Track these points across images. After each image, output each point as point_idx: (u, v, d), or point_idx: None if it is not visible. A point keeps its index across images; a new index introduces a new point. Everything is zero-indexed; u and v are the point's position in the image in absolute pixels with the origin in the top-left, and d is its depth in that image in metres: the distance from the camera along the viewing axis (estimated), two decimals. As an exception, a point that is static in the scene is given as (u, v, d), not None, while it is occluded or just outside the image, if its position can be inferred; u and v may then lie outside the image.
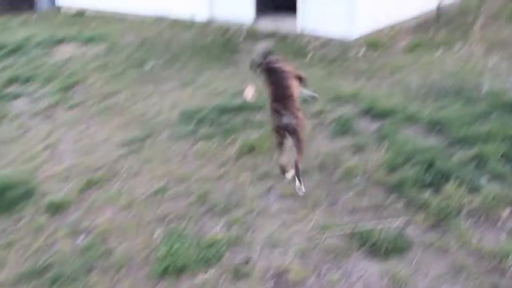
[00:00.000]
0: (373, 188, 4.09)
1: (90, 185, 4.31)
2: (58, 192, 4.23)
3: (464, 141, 4.70)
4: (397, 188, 4.02)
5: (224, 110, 5.73)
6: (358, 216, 3.75)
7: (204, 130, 5.28)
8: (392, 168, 4.29)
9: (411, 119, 5.30)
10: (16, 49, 9.60)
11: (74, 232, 3.70)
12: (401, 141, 4.75)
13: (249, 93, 6.03)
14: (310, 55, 7.91)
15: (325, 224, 3.66)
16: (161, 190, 4.16)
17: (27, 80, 7.53)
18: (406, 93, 6.14)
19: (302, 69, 7.02)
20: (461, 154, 4.45)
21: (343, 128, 5.20)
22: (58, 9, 14.41)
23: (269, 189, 4.14)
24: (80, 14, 13.40)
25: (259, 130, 5.18)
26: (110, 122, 5.76)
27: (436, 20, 9.85)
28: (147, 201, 4.04)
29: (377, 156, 4.55)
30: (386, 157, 4.47)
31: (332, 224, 3.66)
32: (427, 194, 3.88)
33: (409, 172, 4.16)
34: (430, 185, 3.97)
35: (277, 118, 3.88)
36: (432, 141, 4.80)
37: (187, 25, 10.35)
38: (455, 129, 4.92)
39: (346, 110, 5.70)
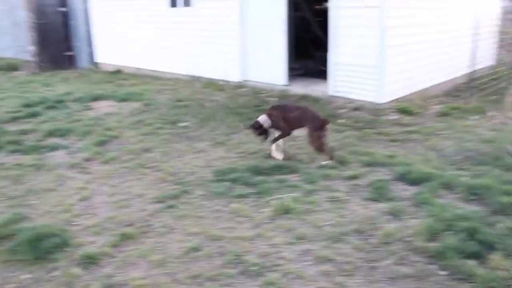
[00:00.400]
0: (413, 255, 3.95)
1: (124, 239, 4.28)
2: (92, 245, 4.20)
3: (505, 210, 4.55)
4: (438, 256, 3.87)
5: (257, 171, 5.73)
6: (399, 285, 3.60)
7: (238, 189, 5.25)
8: (432, 235, 4.16)
9: (448, 186, 5.20)
10: (57, 104, 9.91)
11: (107, 286, 3.63)
12: (440, 207, 4.63)
13: (278, 154, 6.12)
14: (342, 119, 7.94)
15: (364, 292, 3.52)
16: (195, 249, 4.09)
17: (65, 133, 7.72)
18: (442, 159, 6.05)
19: (335, 132, 7.07)
20: (504, 223, 4.30)
21: (379, 192, 5.11)
22: (96, 66, 14.96)
23: (305, 252, 4.03)
24: (117, 72, 13.88)
25: (294, 191, 5.12)
26: (145, 177, 5.80)
27: (468, 86, 9.87)
28: (180, 259, 3.96)
29: (415, 222, 4.43)
30: (425, 224, 4.35)
31: (372, 291, 3.52)
32: (471, 264, 3.72)
33: (450, 240, 4.02)
34: (474, 254, 3.82)
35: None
36: (472, 209, 4.67)
37: (220, 85, 10.61)
38: (495, 197, 4.79)
39: (381, 174, 5.63)
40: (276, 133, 6.22)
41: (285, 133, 6.14)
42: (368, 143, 6.77)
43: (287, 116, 6.05)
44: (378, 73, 8.28)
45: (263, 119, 6.19)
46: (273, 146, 6.25)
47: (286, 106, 6.26)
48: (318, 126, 5.85)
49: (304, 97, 9.31)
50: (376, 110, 8.20)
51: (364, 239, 4.22)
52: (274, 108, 6.23)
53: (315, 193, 5.09)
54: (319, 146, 5.88)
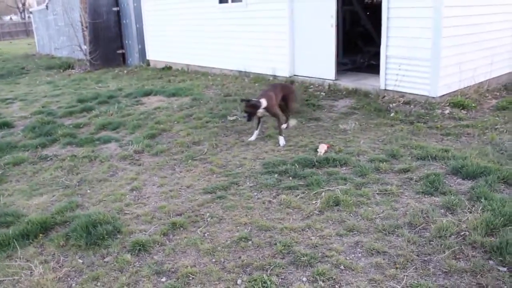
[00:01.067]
0: (469, 250, 3.79)
1: (174, 228, 4.33)
2: (142, 233, 4.28)
3: None
4: (497, 251, 3.70)
5: (306, 164, 5.69)
6: (454, 279, 3.47)
7: (287, 182, 5.23)
8: (491, 229, 3.98)
9: (507, 180, 4.97)
10: (109, 99, 10.18)
11: (157, 273, 3.68)
12: (498, 202, 4.42)
13: (323, 148, 6.07)
14: (393, 112, 7.77)
15: (418, 285, 3.40)
16: (244, 238, 4.09)
17: (117, 126, 7.95)
18: (499, 153, 5.80)
19: (385, 126, 6.93)
20: None
21: (432, 186, 4.95)
22: (147, 63, 15.28)
23: (356, 244, 3.95)
24: (166, 69, 14.14)
25: (344, 184, 5.05)
26: (194, 169, 5.87)
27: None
28: (230, 248, 3.97)
29: (472, 217, 4.25)
30: (482, 218, 4.16)
31: (425, 285, 3.40)
32: (533, 260, 3.54)
33: (510, 235, 3.83)
34: (536, 251, 3.62)
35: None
36: (533, 204, 4.44)
37: (269, 81, 10.60)
38: (559, 193, 4.54)
39: (434, 168, 5.45)
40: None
41: (281, 116, 6.75)
42: (420, 137, 6.60)
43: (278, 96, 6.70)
44: (431, 66, 8.03)
45: (263, 103, 6.43)
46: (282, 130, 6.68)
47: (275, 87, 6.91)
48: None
49: (354, 92, 9.17)
50: (429, 104, 7.97)
51: (417, 232, 4.10)
52: (270, 91, 6.70)
53: (366, 186, 5.00)
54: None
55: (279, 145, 6.50)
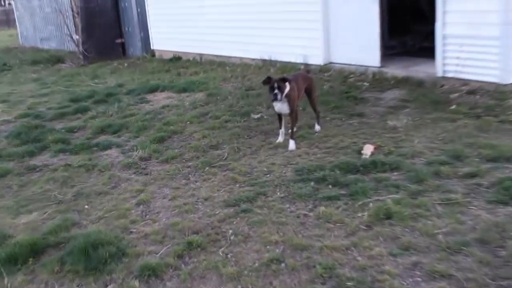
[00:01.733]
0: (559, 271, 3.70)
1: (190, 248, 4.34)
2: (152, 255, 4.30)
3: None
4: None
5: (349, 169, 5.67)
6: (540, 308, 3.38)
7: (325, 191, 5.20)
8: None
9: None
10: (108, 97, 10.31)
11: (172, 304, 3.68)
12: None
13: (369, 150, 6.05)
14: (454, 104, 7.68)
15: (494, 315, 3.33)
16: (276, 260, 4.07)
17: (118, 129, 8.05)
18: None
19: (445, 121, 6.86)
20: None
21: (508, 194, 4.84)
22: (152, 54, 15.44)
23: (414, 265, 3.89)
24: (176, 59, 14.26)
25: (397, 193, 4.99)
26: (212, 178, 5.89)
27: None
28: (259, 272, 3.95)
29: (560, 231, 4.15)
30: None
31: (503, 315, 3.32)
32: None
33: None
34: None
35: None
36: None
37: (299, 69, 10.58)
38: None
39: (510, 172, 5.35)
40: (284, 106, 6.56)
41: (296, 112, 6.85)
42: (490, 134, 6.49)
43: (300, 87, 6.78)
44: (501, 45, 7.91)
45: (289, 86, 6.50)
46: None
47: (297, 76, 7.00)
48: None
49: (404, 81, 9.11)
50: (499, 93, 7.84)
51: (490, 251, 4.01)
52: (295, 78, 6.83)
53: (424, 194, 4.93)
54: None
55: (290, 149, 6.52)
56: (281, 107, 6.59)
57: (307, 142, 6.79)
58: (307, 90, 7.03)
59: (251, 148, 6.76)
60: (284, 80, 6.49)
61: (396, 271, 3.84)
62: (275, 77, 6.56)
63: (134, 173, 6.30)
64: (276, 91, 6.41)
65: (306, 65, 10.66)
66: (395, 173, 5.51)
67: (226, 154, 6.61)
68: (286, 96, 6.49)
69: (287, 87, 6.47)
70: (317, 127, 7.23)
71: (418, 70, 9.41)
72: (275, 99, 6.45)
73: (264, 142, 6.93)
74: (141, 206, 5.32)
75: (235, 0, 12.53)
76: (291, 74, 7.47)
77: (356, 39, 10.14)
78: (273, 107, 6.79)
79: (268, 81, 6.49)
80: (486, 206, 4.69)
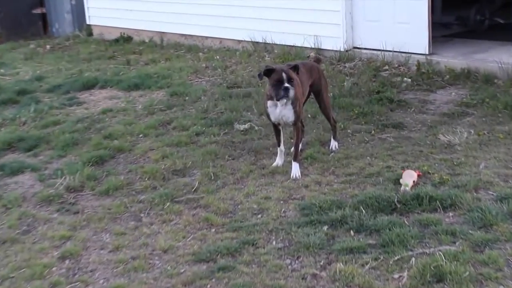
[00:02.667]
0: None
1: (141, 326, 4.30)
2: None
3: None
4: None
5: (381, 207, 5.64)
6: None
7: (345, 240, 5.17)
8: None
9: None
10: (19, 96, 10.25)
11: None
12: None
13: (410, 178, 6.03)
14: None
15: None
16: None
17: (35, 144, 7.98)
18: None
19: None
20: None
21: None
22: (89, 33, 15.43)
23: None
24: (124, 41, 14.24)
25: (453, 243, 4.98)
26: (175, 219, 5.86)
27: None
28: None
29: None
30: None
31: None
32: None
33: None
34: None
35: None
36: None
37: (308, 57, 10.61)
38: None
39: None
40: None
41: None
42: None
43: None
44: None
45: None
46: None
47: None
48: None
49: (465, 75, 9.14)
50: None
51: None
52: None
53: (493, 246, 4.91)
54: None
55: (293, 177, 6.53)
56: (282, 112, 6.57)
57: (318, 166, 6.76)
58: (314, 87, 7.04)
59: (235, 174, 6.71)
60: (295, 68, 6.50)
61: None
62: (280, 66, 6.54)
63: (58, 211, 6.22)
64: (286, 84, 6.35)
65: (318, 51, 10.69)
66: (450, 214, 5.48)
67: (196, 183, 6.55)
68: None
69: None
70: (334, 144, 7.23)
71: (486, 58, 9.44)
72: (286, 96, 6.38)
73: (254, 166, 6.89)
74: (67, 261, 5.24)
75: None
76: (287, 63, 7.37)
77: (393, 14, 10.18)
78: (267, 114, 6.76)
79: (270, 71, 6.45)
80: None
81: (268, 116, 6.71)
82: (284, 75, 6.30)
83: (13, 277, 5.06)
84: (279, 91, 6.32)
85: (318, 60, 7.49)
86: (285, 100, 6.41)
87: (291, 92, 6.32)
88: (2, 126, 8.97)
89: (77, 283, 4.91)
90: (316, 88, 7.05)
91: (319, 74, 7.15)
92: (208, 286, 4.73)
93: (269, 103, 6.55)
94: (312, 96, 7.18)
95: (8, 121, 9.15)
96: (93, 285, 4.88)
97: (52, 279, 4.98)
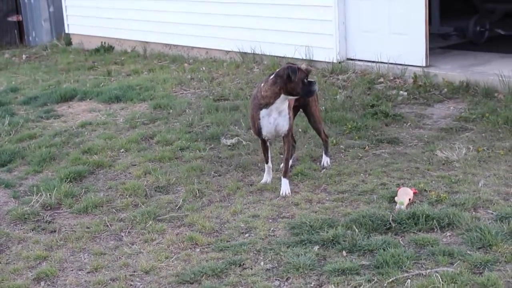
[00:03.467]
0: None
1: None
2: None
3: None
4: None
5: (375, 226, 5.66)
6: None
7: (337, 260, 5.17)
8: None
9: None
10: (-8, 108, 10.24)
11: None
12: None
13: (406, 196, 6.06)
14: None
15: None
16: None
17: (9, 159, 7.97)
18: None
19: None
20: None
21: None
22: (68, 42, 15.44)
23: None
24: (105, 50, 14.25)
25: (450, 264, 5.00)
26: (158, 239, 5.85)
27: None
28: None
29: None
30: None
31: None
32: None
33: None
34: None
35: None
36: None
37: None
38: None
39: None
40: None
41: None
42: None
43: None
44: None
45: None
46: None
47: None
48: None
49: (463, 88, 9.19)
50: None
51: None
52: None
53: (493, 268, 4.93)
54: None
55: (283, 194, 6.57)
56: (277, 121, 6.60)
57: (309, 183, 6.77)
58: (300, 100, 7.00)
59: (221, 191, 6.73)
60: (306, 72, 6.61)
61: None
62: (291, 68, 6.49)
63: (33, 229, 6.21)
64: (313, 86, 6.56)
65: (310, 62, 10.72)
66: (448, 233, 5.50)
67: (181, 200, 6.56)
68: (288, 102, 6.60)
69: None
70: (326, 160, 7.25)
71: (486, 71, 9.49)
72: (314, 91, 6.62)
73: (242, 183, 6.91)
74: (43, 283, 5.24)
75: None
76: (272, 72, 7.17)
77: (389, 24, 10.23)
78: (258, 128, 6.72)
79: (295, 70, 6.45)
80: None
81: (258, 130, 6.66)
82: (298, 76, 6.42)
83: (-14, 303, 5.07)
84: (309, 88, 6.51)
85: (308, 72, 7.44)
86: (283, 106, 6.56)
87: (311, 90, 6.56)
88: (-27, 141, 8.97)
89: (51, 306, 4.92)
90: (304, 101, 7.04)
91: None
92: (192, 311, 4.75)
93: (262, 112, 6.55)
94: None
95: (-20, 135, 9.15)
96: (72, 309, 4.88)
97: (27, 301, 5.00)
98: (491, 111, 8.27)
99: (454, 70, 9.76)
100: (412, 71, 9.89)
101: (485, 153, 7.18)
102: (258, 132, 6.68)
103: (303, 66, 7.23)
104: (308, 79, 6.46)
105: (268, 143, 6.83)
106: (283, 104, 6.54)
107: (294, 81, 6.40)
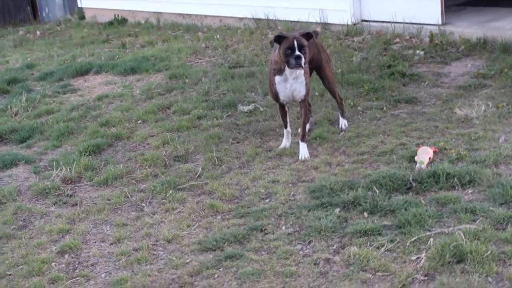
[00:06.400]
0: None
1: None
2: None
3: None
4: None
5: (395, 186, 5.67)
6: None
7: (359, 222, 5.18)
8: None
9: None
10: (10, 85, 10.24)
11: None
12: None
13: (426, 155, 6.05)
14: None
15: None
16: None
17: (28, 135, 8.00)
18: None
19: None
20: None
21: None
22: (81, 16, 15.41)
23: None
24: (118, 23, 14.23)
25: (472, 221, 4.99)
26: (179, 208, 5.89)
27: None
28: None
29: None
30: None
31: None
32: None
33: None
34: None
35: None
36: None
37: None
38: None
39: None
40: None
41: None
42: None
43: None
44: None
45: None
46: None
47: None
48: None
49: (481, 45, 9.11)
50: None
51: None
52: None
53: (517, 222, 4.93)
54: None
55: (302, 159, 6.56)
56: (293, 86, 6.57)
57: (328, 146, 6.77)
58: (313, 63, 6.98)
59: (240, 158, 6.74)
60: (308, 36, 6.49)
61: None
62: (292, 33, 6.55)
63: (55, 203, 6.26)
64: (297, 52, 6.33)
65: (324, 25, 10.67)
66: (469, 191, 5.50)
67: (200, 169, 6.58)
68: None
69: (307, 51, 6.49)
70: (343, 122, 7.23)
71: (503, 26, 9.40)
72: (298, 64, 6.33)
73: (260, 149, 6.91)
74: (67, 256, 5.28)
75: None
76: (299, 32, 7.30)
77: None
78: (275, 93, 6.72)
79: (281, 38, 6.42)
80: None
81: (275, 95, 6.68)
82: (295, 42, 6.27)
83: (10, 274, 5.11)
84: (290, 59, 6.30)
85: (315, 34, 7.36)
86: (297, 71, 6.44)
87: (303, 61, 6.29)
88: (-8, 117, 9.01)
89: (77, 278, 4.96)
90: (316, 63, 7.02)
91: (318, 48, 7.10)
92: (216, 275, 4.76)
93: (277, 78, 6.54)
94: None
95: (-2, 111, 9.19)
96: (95, 279, 4.92)
97: (51, 274, 5.03)
98: (509, 67, 8.21)
99: (470, 27, 9.68)
100: (428, 29, 9.82)
101: (504, 109, 7.13)
102: (276, 97, 6.69)
103: (318, 29, 7.23)
104: (295, 52, 6.28)
105: (286, 108, 6.82)
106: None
107: (279, 51, 6.40)
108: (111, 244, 5.42)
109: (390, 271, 4.55)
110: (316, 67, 7.04)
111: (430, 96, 7.84)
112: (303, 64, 6.30)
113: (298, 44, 6.27)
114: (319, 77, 7.20)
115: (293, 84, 6.52)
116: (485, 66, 8.47)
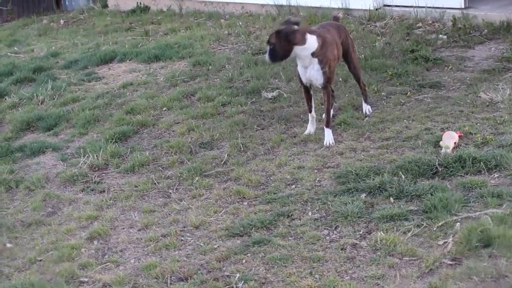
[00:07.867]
0: None
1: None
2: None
3: None
4: None
5: (421, 171, 5.68)
6: None
7: (385, 207, 5.19)
8: None
9: None
10: (36, 74, 10.29)
11: None
12: None
13: (451, 140, 6.03)
14: None
15: None
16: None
17: (54, 123, 8.04)
18: None
19: None
20: None
21: None
22: (104, 4, 15.43)
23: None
24: (141, 11, 14.23)
25: (499, 206, 4.98)
26: (205, 194, 5.93)
27: None
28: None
29: None
30: None
31: None
32: None
33: None
34: None
35: None
36: None
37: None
38: None
39: None
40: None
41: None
42: None
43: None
44: None
45: (313, 43, 6.50)
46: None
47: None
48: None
49: (505, 28, 9.05)
50: None
51: None
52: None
53: (543, 207, 4.92)
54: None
55: (327, 144, 6.56)
56: (310, 73, 6.59)
57: (352, 132, 6.77)
58: (343, 47, 6.99)
59: (265, 144, 6.75)
60: (292, 23, 6.53)
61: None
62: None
63: (82, 190, 6.32)
64: (267, 47, 6.63)
65: (347, 11, 10.65)
66: (495, 175, 5.49)
67: (225, 155, 6.61)
68: (318, 55, 6.50)
69: (314, 41, 6.49)
70: (367, 108, 7.22)
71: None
72: (270, 59, 6.69)
73: (285, 135, 6.92)
74: (96, 242, 5.34)
75: None
76: (318, 24, 7.43)
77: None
78: (298, 75, 6.76)
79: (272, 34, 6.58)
80: None
81: (298, 76, 6.79)
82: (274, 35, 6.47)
83: (41, 260, 5.17)
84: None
85: (337, 18, 7.40)
86: (308, 60, 6.53)
87: (266, 55, 6.57)
88: (19, 105, 9.03)
89: (107, 264, 5.02)
90: (345, 47, 7.02)
91: (346, 33, 7.16)
92: (244, 261, 4.80)
93: (299, 61, 6.63)
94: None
95: (25, 100, 9.19)
96: (124, 265, 4.98)
97: (81, 260, 5.10)
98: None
99: (493, 10, 9.62)
100: (450, 14, 9.76)
101: (530, 93, 7.11)
102: (299, 79, 6.78)
103: (340, 15, 7.25)
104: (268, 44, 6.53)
105: (311, 92, 6.82)
106: (306, 58, 6.52)
107: None
108: (139, 230, 5.48)
109: (417, 255, 4.58)
110: (344, 52, 7.04)
111: (454, 81, 7.80)
112: (266, 58, 6.64)
113: (268, 39, 6.57)
114: (345, 61, 7.21)
115: (310, 70, 6.55)
116: (509, 49, 8.41)
